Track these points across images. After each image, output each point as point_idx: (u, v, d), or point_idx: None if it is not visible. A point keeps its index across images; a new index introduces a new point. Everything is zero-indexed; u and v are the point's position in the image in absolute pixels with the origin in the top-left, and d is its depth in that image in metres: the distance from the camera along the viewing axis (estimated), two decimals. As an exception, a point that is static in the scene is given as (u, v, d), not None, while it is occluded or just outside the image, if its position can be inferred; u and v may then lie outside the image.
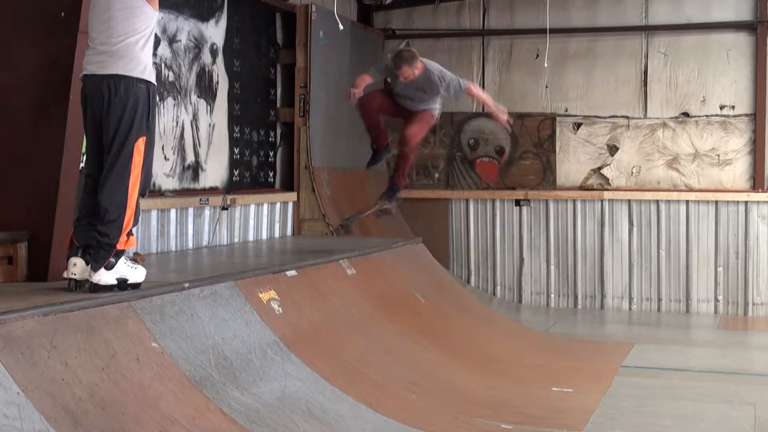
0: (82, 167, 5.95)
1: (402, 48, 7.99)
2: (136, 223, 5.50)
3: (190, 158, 9.04)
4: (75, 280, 5.41)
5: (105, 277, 5.32)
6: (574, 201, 12.00)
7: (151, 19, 5.42)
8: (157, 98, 5.44)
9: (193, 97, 9.08)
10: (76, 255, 5.41)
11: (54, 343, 4.51)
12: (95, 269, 5.31)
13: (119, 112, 5.30)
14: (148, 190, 5.77)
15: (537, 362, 8.27)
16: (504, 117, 8.19)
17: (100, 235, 5.31)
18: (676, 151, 11.97)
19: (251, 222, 9.88)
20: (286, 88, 10.85)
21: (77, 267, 5.40)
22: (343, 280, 7.86)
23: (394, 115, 8.39)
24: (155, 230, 8.29)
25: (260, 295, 6.46)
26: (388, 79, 8.52)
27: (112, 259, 5.33)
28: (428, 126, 8.42)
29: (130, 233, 5.42)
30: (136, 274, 5.49)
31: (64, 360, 4.49)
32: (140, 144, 5.35)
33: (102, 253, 5.31)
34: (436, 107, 8.23)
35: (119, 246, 5.35)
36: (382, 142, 8.47)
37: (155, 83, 5.52)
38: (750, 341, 10.35)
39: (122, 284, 5.38)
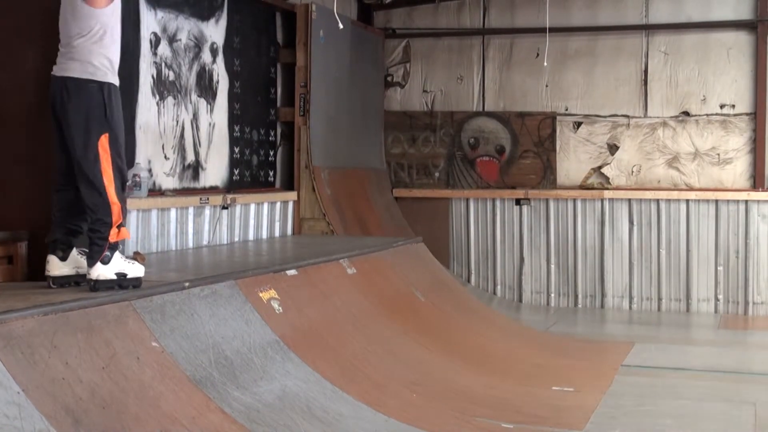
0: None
1: None
2: (125, 215, 5.54)
3: (191, 157, 9.03)
4: (51, 276, 5.51)
5: (103, 272, 5.34)
6: (575, 200, 12.00)
7: (94, 18, 5.34)
8: (118, 96, 5.43)
9: (193, 97, 9.07)
10: (51, 253, 5.54)
11: (54, 343, 4.51)
12: (92, 266, 5.35)
13: (73, 114, 5.34)
14: (128, 182, 5.90)
15: (537, 361, 8.26)
16: None
17: (91, 232, 5.39)
18: (676, 150, 11.96)
19: (251, 221, 9.87)
20: (286, 88, 10.84)
21: (50, 264, 5.52)
22: (344, 279, 7.85)
23: None
24: (155, 229, 8.29)
25: (260, 295, 6.46)
26: None
27: (107, 253, 5.37)
28: None
29: (121, 225, 5.46)
30: (134, 269, 5.51)
31: (64, 359, 4.48)
32: (104, 141, 5.36)
33: (96, 249, 5.36)
34: None
35: (111, 238, 5.39)
36: None
37: (113, 81, 5.47)
38: (750, 340, 10.33)
39: (122, 280, 5.40)
